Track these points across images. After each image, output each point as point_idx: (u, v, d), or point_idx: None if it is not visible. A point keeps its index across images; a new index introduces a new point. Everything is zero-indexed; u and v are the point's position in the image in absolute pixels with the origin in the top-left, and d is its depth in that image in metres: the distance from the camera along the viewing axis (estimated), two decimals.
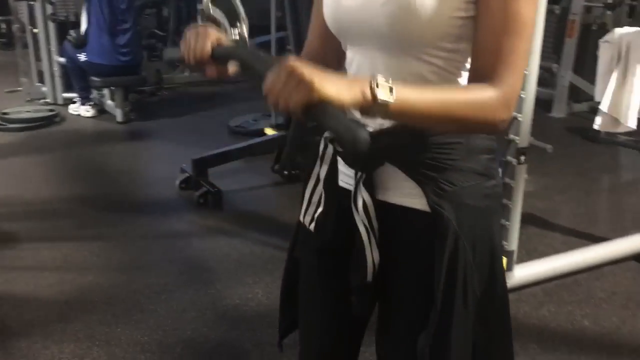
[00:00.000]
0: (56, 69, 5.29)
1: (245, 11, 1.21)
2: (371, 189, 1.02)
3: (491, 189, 1.03)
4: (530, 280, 2.58)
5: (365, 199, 1.01)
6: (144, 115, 5.16)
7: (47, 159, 4.18)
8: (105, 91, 5.14)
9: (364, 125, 0.81)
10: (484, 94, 0.90)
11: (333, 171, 1.11)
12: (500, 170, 2.44)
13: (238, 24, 0.99)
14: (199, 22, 1.03)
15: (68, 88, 5.31)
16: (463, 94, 0.91)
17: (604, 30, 4.96)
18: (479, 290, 1.03)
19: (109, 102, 5.12)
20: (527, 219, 3.09)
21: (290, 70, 0.78)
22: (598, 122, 2.78)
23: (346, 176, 1.09)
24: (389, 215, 1.02)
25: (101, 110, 5.15)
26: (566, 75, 5.10)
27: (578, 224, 3.19)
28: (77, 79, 5.01)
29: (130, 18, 4.78)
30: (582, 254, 2.76)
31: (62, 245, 2.93)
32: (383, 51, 0.97)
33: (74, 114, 5.08)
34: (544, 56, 5.34)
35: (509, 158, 2.35)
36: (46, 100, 5.40)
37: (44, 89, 5.47)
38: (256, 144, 3.78)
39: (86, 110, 5.07)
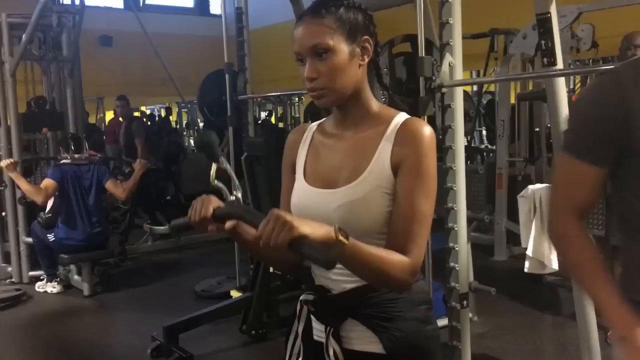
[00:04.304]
0: (23, 248, 5.49)
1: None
2: (339, 340, 1.32)
3: (431, 332, 1.35)
4: None
5: (335, 348, 1.31)
6: (109, 286, 5.31)
7: (17, 339, 4.25)
8: (72, 266, 5.32)
9: (332, 250, 1.11)
10: (402, 260, 1.24)
11: (308, 327, 1.40)
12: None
13: (234, 191, 1.30)
14: None
15: (34, 266, 5.48)
16: (389, 255, 1.24)
17: (528, 180, 5.60)
18: None
19: (76, 277, 5.28)
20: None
21: (277, 216, 1.10)
22: (527, 266, 3.15)
23: (318, 330, 1.39)
24: (352, 359, 1.31)
25: (67, 286, 5.28)
26: (502, 223, 5.62)
27: None
28: (44, 257, 5.19)
29: (97, 196, 5.11)
30: None
31: None
32: None
33: (40, 292, 5.19)
34: (480, 207, 5.94)
35: (453, 304, 2.66)
36: (12, 279, 5.52)
37: (9, 269, 5.61)
38: (224, 306, 4.00)
39: (52, 287, 5.19)
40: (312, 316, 1.39)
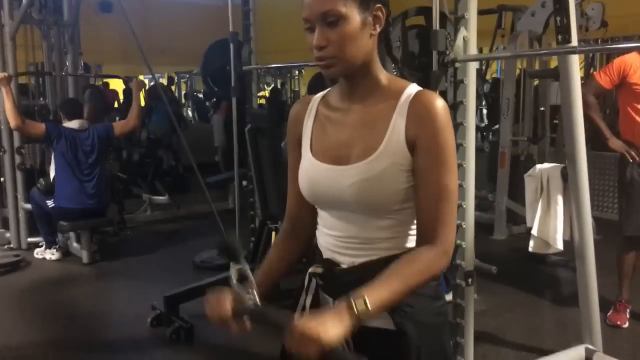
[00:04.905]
0: (21, 214, 5.46)
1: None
2: None
3: (440, 308, 1.33)
4: None
5: None
6: (108, 255, 5.30)
7: (15, 305, 4.24)
8: (71, 234, 5.30)
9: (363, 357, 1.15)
10: (429, 256, 1.22)
11: (316, 300, 1.38)
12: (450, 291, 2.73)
13: (250, 290, 1.26)
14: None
15: (32, 232, 5.46)
16: (414, 266, 1.22)
17: (531, 160, 5.57)
18: None
19: (75, 244, 5.27)
20: (481, 337, 3.35)
21: (301, 333, 1.09)
22: (531, 245, 3.15)
23: (327, 304, 1.36)
24: (363, 335, 1.29)
25: (66, 253, 5.27)
26: (502, 201, 5.61)
27: (527, 339, 3.46)
28: (43, 224, 5.17)
29: (97, 163, 5.06)
30: None
31: None
32: (351, 214, 1.30)
33: (39, 258, 5.18)
34: (481, 185, 5.92)
35: (458, 281, 2.65)
36: (10, 245, 5.50)
37: (7, 234, 5.59)
38: (226, 278, 3.97)
39: (51, 254, 5.18)
40: (319, 290, 1.37)
